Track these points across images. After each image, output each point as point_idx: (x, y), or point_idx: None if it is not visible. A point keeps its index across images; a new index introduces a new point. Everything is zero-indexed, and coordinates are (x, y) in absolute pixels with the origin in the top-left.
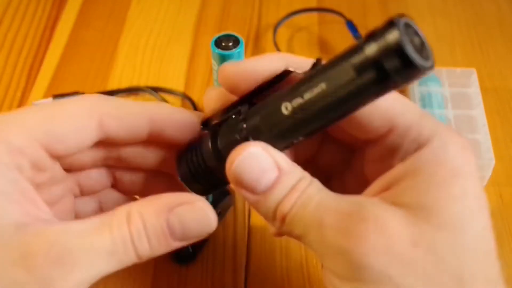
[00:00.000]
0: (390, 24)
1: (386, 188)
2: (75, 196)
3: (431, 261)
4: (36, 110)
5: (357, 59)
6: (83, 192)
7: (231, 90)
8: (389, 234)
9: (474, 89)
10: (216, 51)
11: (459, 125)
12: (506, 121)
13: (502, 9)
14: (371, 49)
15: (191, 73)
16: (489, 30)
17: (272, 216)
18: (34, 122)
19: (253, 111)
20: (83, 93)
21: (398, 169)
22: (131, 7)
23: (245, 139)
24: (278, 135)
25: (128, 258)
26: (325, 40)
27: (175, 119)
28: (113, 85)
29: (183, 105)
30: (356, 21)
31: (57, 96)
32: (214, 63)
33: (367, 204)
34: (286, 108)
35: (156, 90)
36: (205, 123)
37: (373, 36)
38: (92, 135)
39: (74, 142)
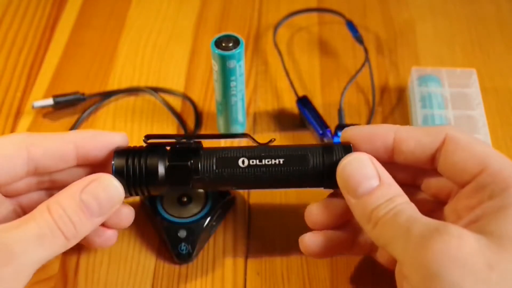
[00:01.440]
0: (348, 148)
1: (474, 221)
2: (18, 216)
3: (504, 285)
4: None
5: (316, 158)
6: (26, 212)
7: None
8: (467, 251)
9: (474, 89)
10: (216, 51)
11: (459, 125)
12: (506, 121)
13: (502, 9)
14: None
15: (191, 73)
16: (489, 30)
17: (367, 219)
18: None
19: (209, 151)
20: (83, 93)
21: (486, 205)
22: (131, 7)
23: (195, 171)
24: (223, 178)
25: (59, 241)
26: (325, 40)
27: (98, 142)
28: (113, 85)
29: (183, 105)
30: (356, 21)
31: (57, 96)
32: (214, 64)
33: (453, 226)
34: (243, 162)
35: (156, 90)
36: (148, 136)
37: (330, 149)
38: (22, 167)
39: (6, 175)
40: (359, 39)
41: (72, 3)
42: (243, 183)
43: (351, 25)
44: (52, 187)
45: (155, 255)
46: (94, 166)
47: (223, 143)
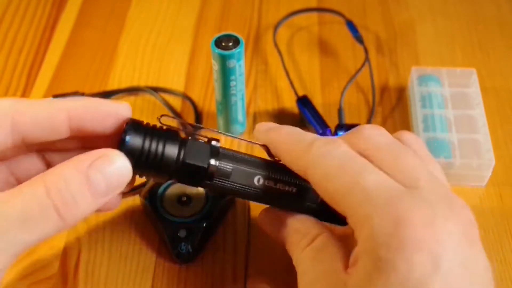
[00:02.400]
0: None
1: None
2: (12, 186)
3: None
4: None
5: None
6: (19, 180)
7: None
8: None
9: (474, 89)
10: (216, 51)
11: (459, 125)
12: (506, 121)
13: (502, 9)
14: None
15: (191, 73)
16: (489, 30)
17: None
18: None
19: (230, 157)
20: (83, 93)
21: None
22: (131, 7)
23: (211, 175)
24: (233, 189)
25: (51, 222)
26: (325, 40)
27: (95, 112)
28: (113, 85)
29: (183, 105)
30: (356, 21)
31: (57, 96)
32: (214, 63)
33: None
34: (258, 180)
35: (156, 90)
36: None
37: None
38: (6, 136)
39: None
40: (359, 39)
41: (72, 3)
42: (252, 199)
43: (351, 25)
44: (46, 149)
45: (155, 255)
46: (90, 140)
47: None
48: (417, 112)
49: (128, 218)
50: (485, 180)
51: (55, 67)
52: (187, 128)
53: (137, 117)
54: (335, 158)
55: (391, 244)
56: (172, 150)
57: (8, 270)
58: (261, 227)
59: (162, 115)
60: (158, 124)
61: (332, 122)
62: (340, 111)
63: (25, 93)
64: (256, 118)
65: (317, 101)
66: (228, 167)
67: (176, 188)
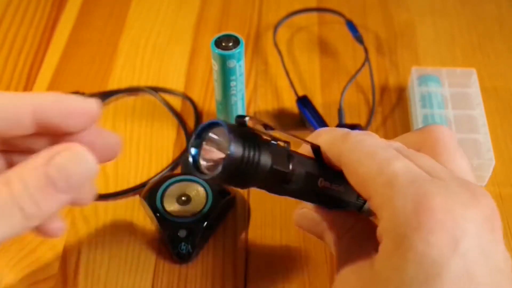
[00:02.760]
0: None
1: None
2: None
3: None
4: None
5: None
6: None
7: None
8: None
9: (474, 89)
10: (216, 51)
11: (459, 125)
12: (506, 121)
13: (502, 9)
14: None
15: (191, 73)
16: (489, 30)
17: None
18: None
19: (300, 162)
20: (83, 93)
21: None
22: (131, 7)
23: (290, 176)
24: (301, 192)
25: (15, 219)
26: (325, 40)
27: (60, 106)
28: (113, 85)
29: (183, 105)
30: (356, 21)
31: None
32: (214, 63)
33: None
34: (320, 182)
35: (156, 90)
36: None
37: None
38: None
39: None
40: (359, 39)
41: (72, 3)
42: (312, 200)
43: (351, 25)
44: (9, 150)
45: (155, 255)
46: (58, 137)
47: None
48: (417, 112)
49: (128, 218)
50: (485, 180)
51: (55, 67)
52: (275, 132)
53: (137, 117)
54: (368, 145)
55: (410, 223)
56: (265, 158)
57: (8, 270)
58: (298, 226)
59: (247, 117)
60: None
61: (332, 122)
62: (340, 111)
63: None
64: None
65: (317, 101)
66: (301, 170)
67: (176, 188)
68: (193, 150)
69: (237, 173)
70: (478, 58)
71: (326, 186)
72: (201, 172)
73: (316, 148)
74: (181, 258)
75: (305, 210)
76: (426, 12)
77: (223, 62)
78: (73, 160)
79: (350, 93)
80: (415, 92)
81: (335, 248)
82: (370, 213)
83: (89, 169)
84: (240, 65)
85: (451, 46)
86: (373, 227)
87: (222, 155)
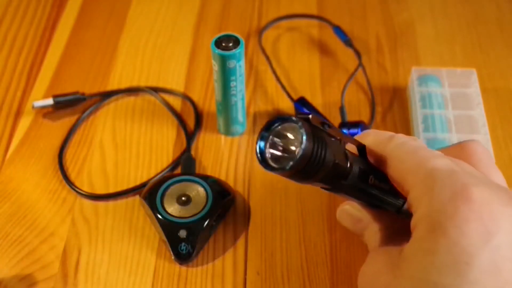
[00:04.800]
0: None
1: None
2: None
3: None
4: None
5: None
6: None
7: None
8: None
9: (474, 89)
10: (216, 51)
11: (459, 125)
12: (506, 121)
13: (502, 9)
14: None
15: (191, 73)
16: (489, 30)
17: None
18: None
19: (354, 159)
20: (83, 93)
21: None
22: (131, 7)
23: (350, 168)
24: (353, 188)
25: None
26: (325, 40)
27: None
28: (113, 85)
29: (183, 105)
30: (356, 21)
31: (57, 96)
32: (214, 64)
33: None
34: (371, 179)
35: (156, 90)
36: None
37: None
38: None
39: None
40: (348, 43)
41: (72, 3)
42: (360, 198)
43: (338, 30)
44: None
45: (155, 255)
46: None
47: None
48: (417, 112)
49: (128, 218)
50: None
51: (55, 67)
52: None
53: (137, 117)
54: (412, 146)
55: (446, 211)
56: (329, 154)
57: (8, 270)
58: (340, 222)
59: (310, 114)
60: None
61: (334, 121)
62: (342, 109)
63: (25, 93)
64: (256, 118)
65: (317, 101)
66: (356, 167)
67: (176, 188)
68: (261, 143)
69: (305, 167)
70: (478, 58)
71: (375, 184)
72: (269, 165)
73: (362, 147)
74: (181, 258)
75: (348, 207)
76: (426, 12)
77: (223, 62)
78: None
79: (350, 93)
80: (415, 92)
81: (371, 241)
82: (408, 214)
83: None
84: (240, 65)
85: (451, 46)
86: (409, 229)
87: (291, 150)
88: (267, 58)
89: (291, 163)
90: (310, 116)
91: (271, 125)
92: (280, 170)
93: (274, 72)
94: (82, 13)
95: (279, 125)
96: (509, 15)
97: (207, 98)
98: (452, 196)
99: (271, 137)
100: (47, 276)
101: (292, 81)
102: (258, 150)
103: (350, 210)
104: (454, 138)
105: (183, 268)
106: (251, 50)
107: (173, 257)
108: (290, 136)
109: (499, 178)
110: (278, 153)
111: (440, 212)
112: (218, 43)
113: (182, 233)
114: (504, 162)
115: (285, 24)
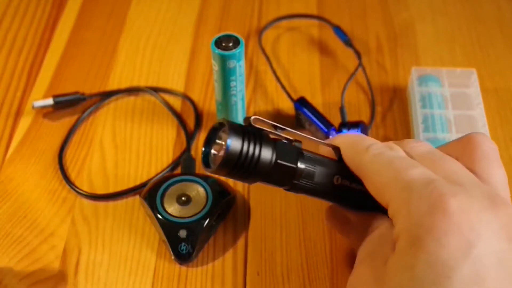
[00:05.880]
0: None
1: None
2: None
3: None
4: None
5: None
6: None
7: None
8: None
9: (474, 89)
10: (216, 51)
11: (459, 125)
12: (506, 121)
13: (502, 9)
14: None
15: (191, 73)
16: (489, 30)
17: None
18: None
19: (312, 159)
20: (83, 93)
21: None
22: (131, 7)
23: (299, 172)
24: (314, 190)
25: None
26: (325, 39)
27: None
28: (113, 85)
29: (183, 105)
30: (356, 21)
31: (57, 96)
32: (214, 64)
33: None
34: (337, 179)
35: (156, 90)
36: (256, 120)
37: None
38: None
39: None
40: (348, 43)
41: (72, 3)
42: (329, 198)
43: (338, 30)
44: None
45: (155, 255)
46: None
47: None
48: (417, 112)
49: (128, 218)
50: None
51: (55, 67)
52: (280, 130)
53: (138, 117)
54: (387, 157)
55: (424, 224)
56: (267, 153)
57: (8, 270)
58: (327, 223)
59: (253, 117)
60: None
61: (334, 121)
62: (342, 109)
63: (25, 93)
64: None
65: (317, 101)
66: (311, 167)
67: (176, 188)
68: (204, 148)
69: (237, 166)
70: (478, 58)
71: (344, 184)
72: (208, 166)
73: (336, 149)
74: (181, 258)
75: (335, 207)
76: (426, 12)
77: (223, 62)
78: None
79: (350, 93)
80: (415, 92)
81: (358, 247)
82: None
83: None
84: (240, 65)
85: (451, 46)
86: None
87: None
88: (267, 58)
89: (219, 162)
90: (252, 118)
91: (212, 131)
92: (215, 169)
93: (274, 72)
94: (82, 13)
95: (220, 130)
96: (509, 15)
97: (207, 98)
98: (429, 208)
99: (215, 141)
100: (47, 276)
101: (292, 81)
102: (202, 154)
103: (336, 211)
104: (454, 138)
105: (183, 268)
106: (251, 50)
107: (173, 257)
108: (221, 139)
109: (499, 175)
110: (220, 155)
111: (418, 226)
112: (218, 43)
113: (182, 233)
114: (504, 162)
115: (285, 24)
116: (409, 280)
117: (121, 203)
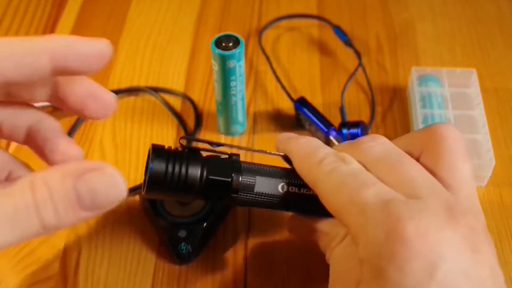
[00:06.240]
0: None
1: None
2: None
3: None
4: None
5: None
6: None
7: None
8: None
9: (474, 89)
10: (216, 51)
11: (459, 125)
12: (506, 121)
13: (502, 9)
14: None
15: (191, 73)
16: (489, 30)
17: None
18: None
19: (251, 170)
20: None
21: None
22: (131, 7)
23: (236, 185)
24: (258, 201)
25: (32, 227)
26: (325, 39)
27: (77, 51)
28: (113, 85)
29: (183, 105)
30: (356, 21)
31: None
32: (214, 64)
33: None
34: (282, 187)
35: (156, 90)
36: (186, 139)
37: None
38: None
39: None
40: (348, 43)
41: (72, 3)
42: (279, 208)
43: (338, 30)
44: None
45: (155, 255)
46: (59, 87)
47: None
48: (417, 112)
49: (128, 218)
50: (485, 181)
51: None
52: (213, 146)
53: (138, 117)
54: (340, 175)
55: (384, 254)
56: (195, 170)
57: (8, 270)
58: (291, 234)
59: (181, 137)
60: (179, 146)
61: (334, 121)
62: (342, 109)
63: None
64: (256, 118)
65: (317, 101)
66: (251, 179)
67: None
68: (144, 176)
69: (164, 186)
70: (478, 58)
71: (293, 191)
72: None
73: (285, 158)
74: (181, 258)
75: (296, 216)
76: (426, 12)
77: (223, 62)
78: (104, 182)
79: (350, 93)
80: (415, 92)
81: (329, 259)
82: None
83: (118, 193)
84: (240, 65)
85: (451, 46)
86: None
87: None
88: (267, 58)
89: (145, 185)
90: (180, 139)
91: (148, 157)
92: (145, 193)
93: (274, 72)
94: (82, 13)
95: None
96: (509, 15)
97: (207, 98)
98: (387, 236)
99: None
100: (47, 276)
101: (292, 81)
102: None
103: (299, 219)
104: None
105: (183, 268)
106: (251, 50)
107: (173, 257)
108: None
109: (464, 170)
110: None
111: (378, 256)
112: (218, 43)
113: (182, 233)
114: (504, 162)
115: (285, 24)
116: None
117: (121, 203)
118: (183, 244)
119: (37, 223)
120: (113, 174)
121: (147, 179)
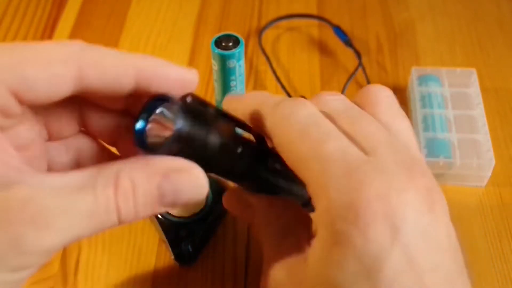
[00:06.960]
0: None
1: None
2: (45, 141)
3: None
4: (7, 51)
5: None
6: (51, 136)
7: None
8: None
9: (474, 89)
10: (216, 51)
11: (459, 125)
12: (506, 121)
13: (502, 9)
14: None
15: None
16: (489, 30)
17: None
18: (3, 63)
19: (248, 142)
20: None
21: None
22: (131, 7)
23: (241, 151)
24: (251, 173)
25: (109, 222)
26: (325, 39)
27: (163, 75)
28: None
29: None
30: (355, 21)
31: None
32: (214, 63)
33: None
34: (270, 164)
35: None
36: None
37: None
38: (67, 86)
39: (46, 92)
40: (348, 43)
41: (72, 3)
42: (254, 183)
43: (338, 30)
44: (85, 101)
45: (155, 255)
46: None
47: None
48: (417, 112)
49: None
50: (485, 180)
51: None
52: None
53: None
54: (299, 122)
55: (347, 217)
56: (215, 135)
57: None
58: (227, 209)
59: (189, 95)
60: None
61: None
62: None
63: None
64: None
65: None
66: (249, 150)
67: None
68: (138, 124)
69: (184, 150)
70: (478, 58)
71: (275, 168)
72: (146, 148)
73: (258, 134)
74: (181, 258)
75: (236, 190)
76: (426, 11)
77: (223, 62)
78: (189, 183)
79: (350, 93)
80: (415, 92)
81: (263, 236)
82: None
83: (200, 194)
84: (240, 65)
85: (451, 46)
86: (304, 215)
87: (170, 131)
88: (267, 58)
89: (166, 144)
90: (189, 98)
91: (149, 105)
92: (160, 149)
93: (274, 72)
94: (82, 13)
95: (157, 105)
96: (509, 15)
97: (207, 98)
98: (350, 199)
99: (152, 117)
100: (47, 276)
101: (292, 81)
102: (136, 133)
103: (237, 194)
104: (454, 138)
105: (183, 268)
106: (251, 50)
107: (173, 257)
108: (169, 116)
109: (404, 128)
110: (161, 134)
111: (340, 219)
112: (218, 43)
113: (182, 233)
114: (504, 162)
115: (285, 24)
116: (341, 278)
117: None
118: (183, 244)
119: (115, 218)
120: (199, 176)
121: (171, 139)
